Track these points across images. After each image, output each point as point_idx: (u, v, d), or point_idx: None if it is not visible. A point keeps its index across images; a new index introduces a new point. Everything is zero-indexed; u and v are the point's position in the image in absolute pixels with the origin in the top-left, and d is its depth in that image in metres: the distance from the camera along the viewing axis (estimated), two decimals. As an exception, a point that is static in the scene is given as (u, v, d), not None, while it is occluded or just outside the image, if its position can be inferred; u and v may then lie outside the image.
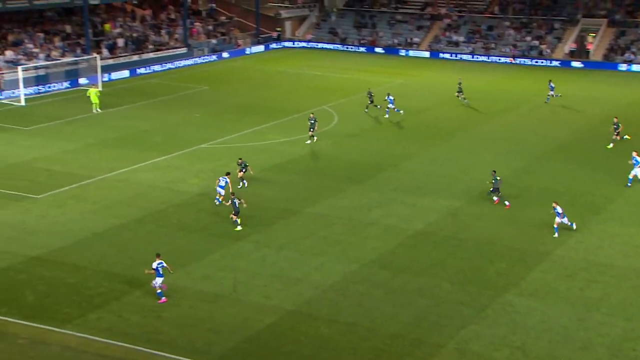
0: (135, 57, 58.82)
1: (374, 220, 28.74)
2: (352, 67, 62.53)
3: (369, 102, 45.29)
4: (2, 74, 48.29)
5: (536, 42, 66.47)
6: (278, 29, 74.39)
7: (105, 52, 57.00)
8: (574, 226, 27.39)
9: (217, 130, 41.19)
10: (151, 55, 60.22)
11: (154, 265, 22.04)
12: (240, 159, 32.24)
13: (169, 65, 60.06)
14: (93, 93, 44.96)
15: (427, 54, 68.03)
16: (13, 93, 46.67)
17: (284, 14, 76.36)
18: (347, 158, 36.85)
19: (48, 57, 52.19)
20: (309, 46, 73.21)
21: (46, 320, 20.69)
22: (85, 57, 53.58)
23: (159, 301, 21.93)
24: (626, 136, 38.83)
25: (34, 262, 24.04)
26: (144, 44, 61.02)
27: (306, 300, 22.34)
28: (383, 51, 69.87)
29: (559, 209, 27.05)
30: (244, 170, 31.74)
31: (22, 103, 45.33)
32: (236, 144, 38.89)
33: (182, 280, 23.33)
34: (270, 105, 48.24)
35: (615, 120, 38.91)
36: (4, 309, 21.15)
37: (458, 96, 48.02)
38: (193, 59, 63.11)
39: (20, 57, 50.71)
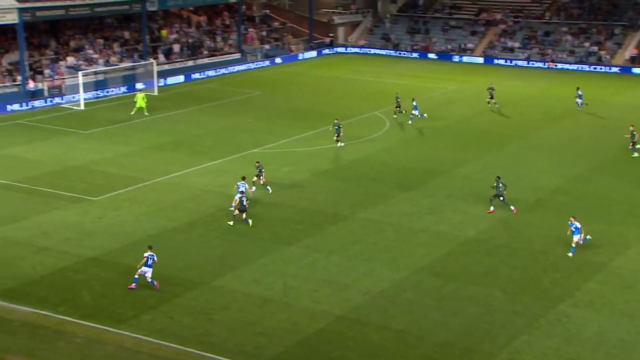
0: (190, 63, 59.87)
1: (425, 227, 28.46)
2: (405, 73, 62.19)
3: (396, 107, 44.99)
4: (64, 78, 49.82)
5: (595, 48, 64.77)
6: (331, 34, 74.59)
7: (161, 57, 58.23)
8: (589, 238, 25.77)
9: (268, 135, 41.51)
10: (206, 60, 61.19)
11: (146, 254, 22.95)
12: (258, 162, 32.42)
13: (222, 71, 60.91)
14: (140, 98, 46.02)
15: (481, 60, 67.11)
16: (73, 97, 48.10)
17: (337, 19, 76.55)
18: (398, 164, 36.62)
19: (107, 63, 53.61)
20: (361, 52, 73.16)
21: (102, 320, 21.16)
22: (142, 63, 54.84)
23: (129, 286, 22.67)
24: None
25: (91, 262, 24.65)
26: (199, 50, 62.08)
27: (355, 306, 22.24)
28: (436, 57, 69.26)
29: (577, 225, 25.47)
30: (260, 175, 31.63)
31: (82, 107, 46.66)
32: (287, 149, 39.10)
33: (232, 283, 23.55)
34: (321, 110, 48.35)
35: (631, 128, 37.51)
36: (63, 307, 21.73)
37: (489, 102, 47.29)
38: (246, 65, 63.85)
39: (80, 62, 52.25)
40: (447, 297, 22.85)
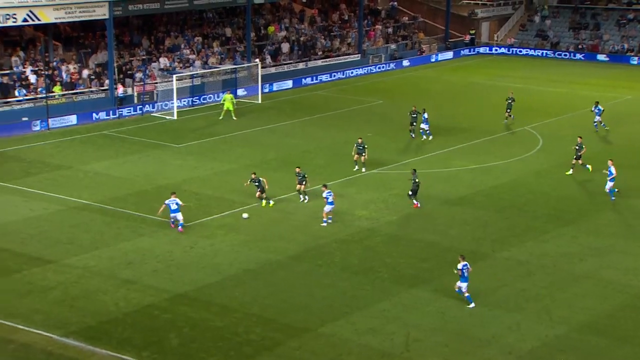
0: (301, 65, 61.28)
1: (587, 272, 27.51)
2: (565, 79, 60.58)
3: (411, 124, 44.18)
4: (155, 83, 52.34)
5: None
6: (472, 31, 74.05)
7: (267, 59, 59.98)
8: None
9: (391, 153, 41.59)
10: (319, 62, 62.42)
11: (167, 202, 30.58)
12: (254, 173, 33.50)
13: (338, 75, 61.88)
14: (228, 99, 47.64)
15: (666, 62, 64.34)
16: (165, 105, 50.43)
17: (480, 13, 75.89)
18: (553, 191, 35.62)
19: (205, 65, 55.87)
20: (509, 52, 72.10)
21: (189, 368, 21.84)
22: (245, 65, 56.73)
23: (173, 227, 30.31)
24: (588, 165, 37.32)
25: (179, 299, 25.59)
26: (312, 50, 63.42)
27: (495, 369, 21.76)
28: (607, 59, 67.06)
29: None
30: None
31: (174, 117, 48.81)
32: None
33: (343, 331, 23.67)
34: (457, 124, 47.92)
35: (579, 140, 38.11)
36: (146, 352, 22.61)
37: (509, 114, 46.94)
38: (367, 68, 64.52)
39: (175, 64, 54.74)
40: (616, 363, 21.87)
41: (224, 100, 48.51)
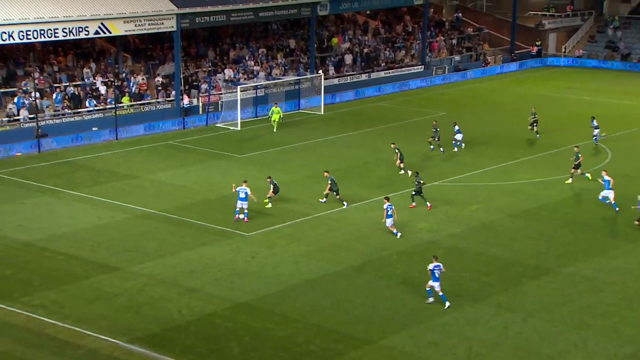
0: (364, 77, 61.39)
1: (657, 290, 26.82)
2: (636, 91, 59.30)
3: (434, 137, 43.86)
4: (220, 94, 53.12)
5: None
6: (538, 42, 73.09)
7: (330, 70, 60.27)
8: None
9: (454, 165, 41.33)
10: (382, 74, 62.43)
11: (238, 188, 32.68)
12: (269, 177, 35.23)
13: (402, 86, 61.77)
14: (276, 111, 48.24)
15: None
16: (229, 116, 51.08)
17: (547, 24, 74.87)
18: (622, 206, 34.83)
19: (269, 76, 56.47)
20: (578, 64, 70.92)
21: (250, 377, 22.07)
22: (308, 76, 57.12)
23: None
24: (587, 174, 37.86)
25: (241, 308, 25.87)
26: (375, 61, 63.49)
27: (558, 386, 21.40)
28: (678, 70, 65.30)
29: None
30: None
31: (238, 127, 49.43)
32: (477, 183, 38.69)
33: (405, 344, 23.58)
34: (522, 136, 47.36)
35: (575, 150, 38.65)
36: (209, 359, 22.97)
37: (532, 128, 46.66)
38: (431, 79, 64.27)
39: (239, 75, 55.48)
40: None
41: (271, 113, 48.84)
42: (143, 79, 51.87)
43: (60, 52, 51.47)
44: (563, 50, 73.62)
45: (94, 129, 47.00)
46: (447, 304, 25.61)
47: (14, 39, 44.28)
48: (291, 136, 47.42)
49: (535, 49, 72.78)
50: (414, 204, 34.74)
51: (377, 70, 62.61)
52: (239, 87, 50.89)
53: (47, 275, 28.05)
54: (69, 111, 47.52)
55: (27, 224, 33.02)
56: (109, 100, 49.22)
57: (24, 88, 47.29)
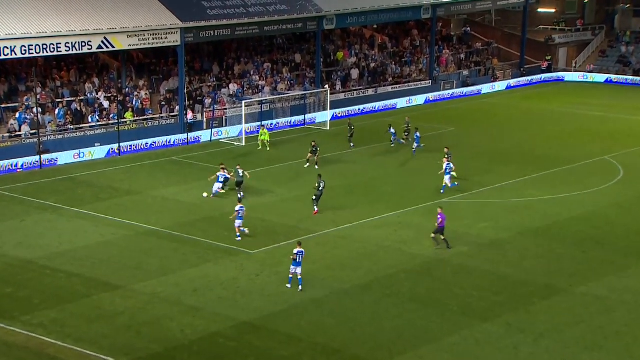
0: (371, 92, 61.52)
1: (670, 310, 26.70)
2: (647, 107, 59.23)
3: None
4: (225, 109, 53.30)
5: None
6: (548, 57, 73.20)
7: (337, 85, 60.42)
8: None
9: (461, 182, 41.27)
10: (389, 89, 62.56)
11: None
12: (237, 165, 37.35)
13: (409, 101, 61.85)
14: (264, 133, 48.53)
15: None
16: (234, 131, 51.16)
17: (557, 39, 75.02)
18: (635, 224, 34.76)
19: (274, 91, 56.65)
20: (588, 80, 70.90)
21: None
22: (314, 91, 57.26)
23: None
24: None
25: (244, 328, 25.84)
26: (382, 76, 63.64)
27: (570, 409, 21.26)
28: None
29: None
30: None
31: (243, 143, 49.52)
32: (485, 199, 38.64)
33: (411, 365, 23.50)
34: (531, 152, 47.33)
35: (446, 150, 40.49)
36: (210, 378, 22.95)
37: (407, 137, 48.16)
38: (439, 94, 64.36)
39: (244, 90, 55.64)
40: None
41: (260, 135, 48.71)
42: (146, 94, 52.09)
43: (63, 67, 51.74)
44: (573, 65, 73.70)
45: (96, 144, 47.12)
46: (300, 287, 28.11)
47: (16, 54, 44.51)
48: (297, 152, 47.44)
49: (545, 64, 72.86)
50: (316, 209, 36.11)
51: (384, 85, 62.74)
52: (243, 102, 51.07)
53: (47, 294, 28.07)
54: (71, 127, 47.71)
55: (27, 241, 33.09)
56: (111, 115, 49.42)
57: (26, 103, 47.52)
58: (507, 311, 26.84)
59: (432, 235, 32.20)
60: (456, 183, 39.48)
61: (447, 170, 39.19)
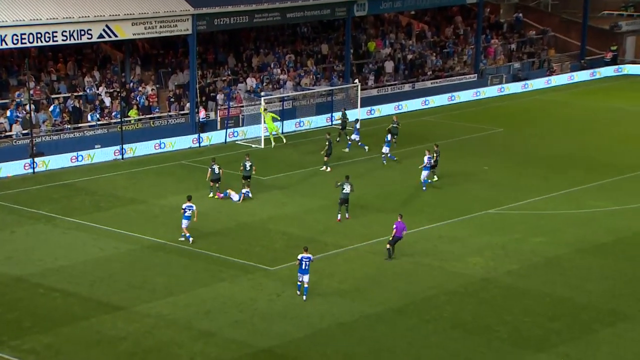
0: (407, 87, 61.41)
1: None
2: None
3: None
4: (241, 106, 53.41)
5: None
6: (614, 47, 72.64)
7: (369, 79, 60.37)
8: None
9: (512, 191, 41.08)
10: (428, 84, 62.45)
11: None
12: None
13: (451, 98, 61.65)
14: (269, 117, 48.67)
15: None
16: (252, 132, 51.20)
17: (624, 26, 74.39)
18: None
19: (297, 86, 56.72)
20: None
21: None
22: (342, 86, 57.25)
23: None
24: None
25: (263, 356, 25.79)
26: (420, 69, 63.50)
27: None
28: None
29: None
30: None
31: (261, 145, 49.62)
32: (540, 211, 38.44)
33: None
34: (593, 157, 47.02)
35: (435, 147, 42.00)
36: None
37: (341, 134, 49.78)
38: (486, 89, 64.10)
39: (263, 85, 55.73)
40: None
41: (270, 128, 49.15)
42: (153, 89, 52.39)
43: (59, 59, 52.19)
44: (644, 56, 73.19)
45: (96, 146, 47.43)
46: (304, 297, 29.08)
47: (6, 44, 44.93)
48: (322, 156, 47.34)
49: (609, 55, 72.29)
50: (340, 216, 36.82)
51: (423, 80, 62.64)
52: (262, 98, 51.16)
53: (40, 316, 28.22)
54: (69, 126, 48.07)
55: (18, 255, 33.34)
56: (114, 113, 49.75)
57: (18, 100, 47.94)
58: (565, 340, 26.60)
59: (387, 246, 32.61)
60: (430, 180, 41.40)
61: (428, 165, 40.84)
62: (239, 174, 40.71)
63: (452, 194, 40.77)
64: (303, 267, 29.05)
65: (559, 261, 32.74)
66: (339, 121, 51.30)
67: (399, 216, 32.97)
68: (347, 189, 36.61)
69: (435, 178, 42.28)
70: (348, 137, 49.02)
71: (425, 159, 41.03)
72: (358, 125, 48.90)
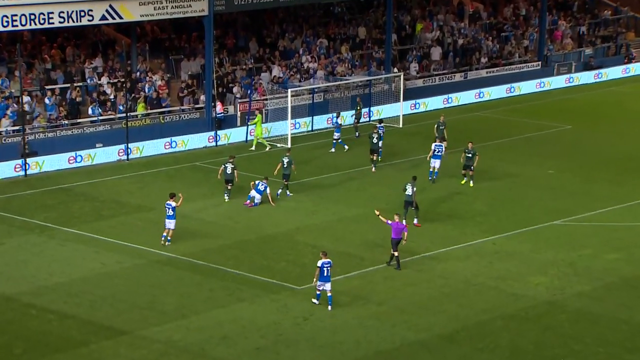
0: (459, 77, 61.30)
1: None
2: None
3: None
4: (265, 100, 53.44)
5: None
6: None
7: (413, 68, 60.32)
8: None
9: (582, 198, 40.96)
10: (483, 73, 62.29)
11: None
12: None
13: (510, 90, 61.46)
14: (259, 120, 49.50)
15: None
16: (277, 129, 51.31)
17: None
18: None
19: (330, 76, 56.76)
20: None
21: None
22: (382, 76, 57.26)
23: None
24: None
25: (287, 387, 26.02)
26: (474, 56, 63.35)
27: None
28: None
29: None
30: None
31: (288, 144, 49.69)
32: (614, 222, 38.26)
33: None
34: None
35: (470, 145, 42.78)
36: None
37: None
38: (551, 80, 63.86)
39: (290, 74, 55.76)
40: None
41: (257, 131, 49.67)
42: (163, 79, 52.66)
43: (55, 44, 52.57)
44: None
45: (98, 145, 47.75)
46: (329, 307, 29.78)
47: (-5, 27, 45.26)
48: (358, 157, 47.45)
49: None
50: (415, 221, 37.73)
51: (477, 69, 62.52)
52: (289, 90, 51.26)
53: (33, 341, 28.45)
54: (66, 122, 48.37)
55: (8, 271, 33.65)
56: (118, 107, 50.05)
57: (8, 91, 48.28)
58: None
59: (395, 253, 33.31)
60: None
61: (437, 153, 41.94)
62: (257, 177, 40.78)
63: (509, 202, 40.65)
64: (325, 274, 29.68)
65: (638, 282, 32.52)
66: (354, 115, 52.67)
67: (395, 216, 33.28)
68: (408, 190, 37.03)
69: (471, 183, 42.44)
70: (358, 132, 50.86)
71: (433, 146, 42.70)
72: (339, 120, 49.27)
